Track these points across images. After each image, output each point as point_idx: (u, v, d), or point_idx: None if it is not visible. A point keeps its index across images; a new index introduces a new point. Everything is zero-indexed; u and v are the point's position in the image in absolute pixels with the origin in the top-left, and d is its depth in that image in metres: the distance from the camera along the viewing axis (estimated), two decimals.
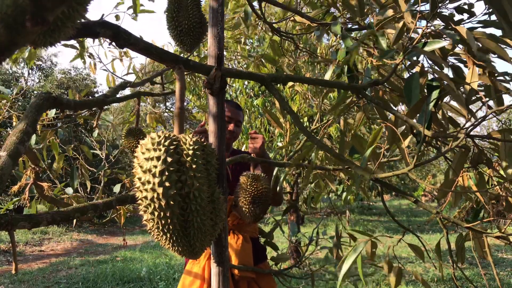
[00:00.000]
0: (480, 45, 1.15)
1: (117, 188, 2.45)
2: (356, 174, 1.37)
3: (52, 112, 2.05)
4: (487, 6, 1.14)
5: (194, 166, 0.92)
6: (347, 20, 1.75)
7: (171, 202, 0.89)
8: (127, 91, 2.43)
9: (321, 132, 1.80)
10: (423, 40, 1.14)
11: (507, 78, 1.17)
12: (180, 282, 1.98)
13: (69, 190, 2.15)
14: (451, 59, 1.27)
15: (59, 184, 2.16)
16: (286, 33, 2.15)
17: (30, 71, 17.67)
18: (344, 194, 4.63)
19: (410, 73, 1.21)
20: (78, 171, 2.25)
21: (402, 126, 1.36)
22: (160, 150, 0.90)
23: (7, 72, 15.91)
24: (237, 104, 2.12)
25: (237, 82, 6.05)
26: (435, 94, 1.13)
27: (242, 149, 3.94)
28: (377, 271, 5.90)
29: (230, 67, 6.02)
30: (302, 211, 7.62)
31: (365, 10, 1.60)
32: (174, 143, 0.93)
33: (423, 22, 1.30)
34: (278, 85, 3.21)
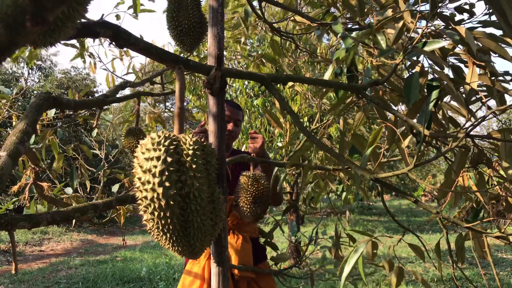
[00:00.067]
0: (480, 45, 1.15)
1: (115, 188, 2.45)
2: (356, 174, 1.37)
3: (52, 112, 2.05)
4: (487, 6, 1.14)
5: (194, 166, 0.92)
6: (347, 20, 1.76)
7: (171, 202, 0.89)
8: (127, 91, 2.43)
9: (320, 131, 1.80)
10: (423, 40, 1.14)
11: (507, 78, 1.17)
12: (180, 282, 1.98)
13: (69, 190, 2.15)
14: (451, 59, 1.27)
15: (58, 184, 2.16)
16: (286, 33, 2.15)
17: (30, 71, 17.67)
18: (344, 194, 4.63)
19: (410, 73, 1.21)
20: (78, 171, 2.25)
21: (402, 126, 1.36)
22: (160, 150, 0.90)
23: (7, 72, 15.91)
24: (236, 104, 2.13)
25: (237, 82, 6.05)
26: (435, 94, 1.13)
27: (242, 149, 3.94)
28: (377, 271, 5.90)
29: (230, 67, 6.02)
30: (302, 211, 7.62)
31: (365, 10, 1.60)
32: (174, 143, 0.93)
33: (423, 22, 1.30)
34: (278, 85, 3.21)
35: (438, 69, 1.20)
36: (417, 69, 1.22)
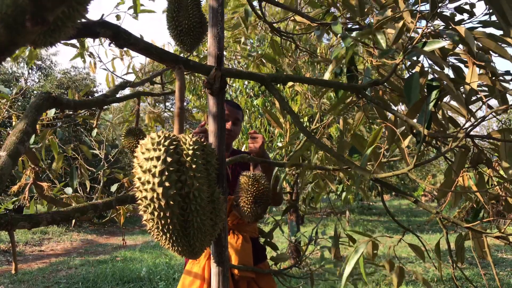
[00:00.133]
0: (480, 45, 1.15)
1: (114, 188, 2.45)
2: (356, 174, 1.37)
3: (51, 112, 2.05)
4: (487, 6, 1.14)
5: (194, 166, 0.92)
6: (347, 20, 1.75)
7: (171, 202, 0.89)
8: (127, 91, 2.43)
9: (320, 131, 1.80)
10: (423, 40, 1.14)
11: (507, 77, 1.17)
12: (180, 282, 1.98)
13: (69, 190, 2.15)
14: (451, 59, 1.27)
15: (58, 184, 2.16)
16: (286, 33, 2.15)
17: (30, 71, 17.66)
18: (344, 194, 4.63)
19: (410, 73, 1.21)
20: (78, 171, 2.25)
21: (402, 126, 1.36)
22: (160, 150, 0.90)
23: (7, 72, 15.90)
24: (235, 103, 2.13)
25: (237, 82, 6.05)
26: (435, 94, 1.13)
27: (242, 149, 3.94)
28: (377, 271, 5.90)
29: (230, 67, 6.02)
30: (302, 211, 7.62)
31: (365, 10, 1.60)
32: (174, 143, 0.93)
33: (423, 22, 1.30)
34: (278, 85, 3.21)
35: (438, 69, 1.20)
36: (417, 69, 1.22)
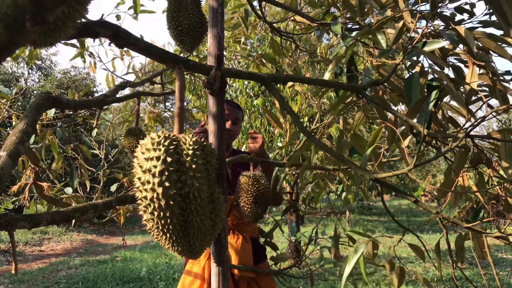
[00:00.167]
0: (481, 45, 1.15)
1: (114, 188, 2.45)
2: (356, 174, 1.37)
3: (51, 112, 2.05)
4: (487, 6, 1.14)
5: (194, 166, 0.92)
6: (347, 20, 1.76)
7: (171, 202, 0.89)
8: (127, 91, 2.43)
9: (319, 130, 1.80)
10: (423, 40, 1.14)
11: (507, 77, 1.17)
12: (180, 282, 1.98)
13: (69, 190, 2.15)
14: (452, 59, 1.27)
15: (58, 184, 2.16)
16: (286, 33, 2.15)
17: (30, 71, 17.67)
18: (344, 194, 4.63)
19: (410, 73, 1.21)
20: (78, 171, 2.25)
21: (402, 126, 1.36)
22: (160, 150, 0.90)
23: (7, 72, 15.90)
24: (235, 103, 2.12)
25: (237, 82, 6.05)
26: (435, 94, 1.13)
27: (242, 149, 3.94)
28: (377, 270, 5.90)
29: (230, 67, 6.02)
30: (302, 211, 7.62)
31: (365, 10, 1.60)
32: (174, 143, 0.93)
33: (423, 22, 1.30)
34: (278, 85, 3.21)
35: (438, 69, 1.20)
36: (417, 69, 1.22)
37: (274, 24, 2.00)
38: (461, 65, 1.26)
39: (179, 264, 6.67)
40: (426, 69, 1.22)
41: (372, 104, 1.49)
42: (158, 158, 0.89)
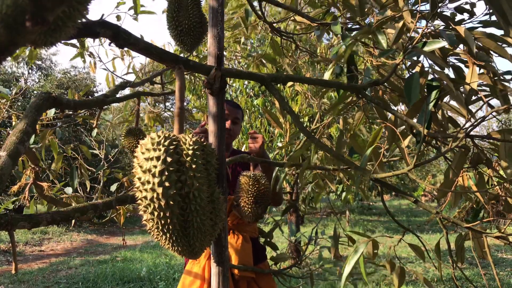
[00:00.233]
0: (481, 45, 1.15)
1: (114, 188, 2.44)
2: (356, 174, 1.37)
3: (51, 112, 2.05)
4: (487, 6, 1.14)
5: (194, 166, 0.92)
6: (347, 20, 1.76)
7: (171, 202, 0.89)
8: (127, 91, 2.43)
9: (319, 130, 1.80)
10: (423, 40, 1.14)
11: (507, 77, 1.17)
12: (180, 282, 1.98)
13: (69, 190, 2.15)
14: (452, 59, 1.27)
15: (58, 184, 2.16)
16: (286, 33, 2.16)
17: (30, 71, 17.67)
18: (344, 194, 4.64)
19: (410, 73, 1.21)
20: (78, 171, 2.25)
21: (402, 126, 1.36)
22: (160, 150, 0.90)
23: (7, 72, 15.90)
24: (235, 103, 2.12)
25: (237, 82, 6.05)
26: (435, 94, 1.14)
27: (242, 149, 3.93)
28: (377, 271, 5.90)
29: (230, 67, 6.02)
30: (302, 211, 7.62)
31: (365, 10, 1.60)
32: (174, 143, 0.93)
33: (423, 22, 1.30)
34: (278, 85, 3.21)
35: (438, 69, 1.21)
36: (417, 69, 1.22)
37: (274, 24, 2.00)
38: (461, 65, 1.26)
39: (179, 264, 6.68)
40: (426, 69, 1.22)
41: (372, 104, 1.49)
42: (158, 158, 0.89)
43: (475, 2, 1.28)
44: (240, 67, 5.88)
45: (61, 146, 2.33)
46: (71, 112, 2.00)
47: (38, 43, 0.68)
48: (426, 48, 1.11)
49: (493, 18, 1.20)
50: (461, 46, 1.19)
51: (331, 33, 1.93)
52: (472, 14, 1.28)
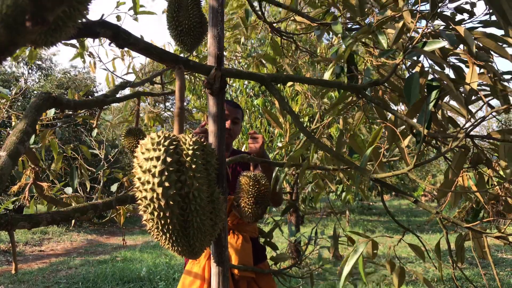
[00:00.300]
0: (481, 45, 1.15)
1: (114, 187, 2.45)
2: (356, 174, 1.37)
3: (51, 112, 2.05)
4: (487, 6, 1.14)
5: (193, 166, 0.92)
6: (347, 20, 1.76)
7: (171, 202, 0.89)
8: (127, 91, 2.43)
9: (319, 130, 1.80)
10: (423, 40, 1.14)
11: (507, 77, 1.17)
12: (180, 282, 1.98)
13: (69, 190, 2.15)
14: (452, 59, 1.27)
15: (58, 184, 2.16)
16: (287, 33, 2.16)
17: (30, 71, 17.67)
18: (344, 194, 4.64)
19: (410, 73, 1.21)
20: (78, 171, 2.25)
21: (402, 126, 1.36)
22: (159, 150, 0.90)
23: (7, 72, 15.90)
24: (235, 103, 2.12)
25: (237, 82, 6.05)
26: (435, 94, 1.14)
27: (242, 149, 3.93)
28: (377, 271, 5.90)
29: (230, 67, 6.02)
30: (301, 211, 7.62)
31: (365, 10, 1.60)
32: (174, 143, 0.93)
33: (423, 22, 1.30)
34: (278, 85, 3.21)
35: (438, 69, 1.21)
36: (417, 69, 1.22)
37: (274, 24, 2.00)
38: (461, 65, 1.26)
39: (179, 264, 6.68)
40: (426, 69, 1.22)
41: (372, 104, 1.49)
42: (158, 158, 0.89)
43: (475, 2, 1.28)
44: (240, 67, 5.88)
45: (61, 146, 2.33)
46: (71, 112, 2.00)
47: (38, 43, 0.68)
48: (426, 48, 1.11)
49: (493, 18, 1.20)
50: (461, 46, 1.19)
51: (331, 33, 1.93)
52: (472, 14, 1.28)
